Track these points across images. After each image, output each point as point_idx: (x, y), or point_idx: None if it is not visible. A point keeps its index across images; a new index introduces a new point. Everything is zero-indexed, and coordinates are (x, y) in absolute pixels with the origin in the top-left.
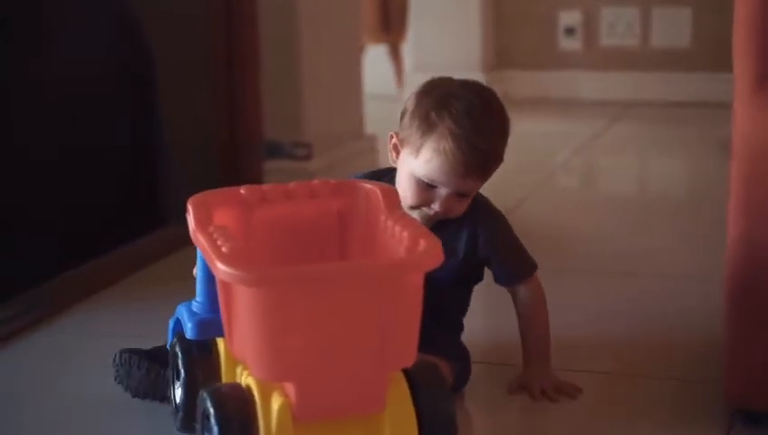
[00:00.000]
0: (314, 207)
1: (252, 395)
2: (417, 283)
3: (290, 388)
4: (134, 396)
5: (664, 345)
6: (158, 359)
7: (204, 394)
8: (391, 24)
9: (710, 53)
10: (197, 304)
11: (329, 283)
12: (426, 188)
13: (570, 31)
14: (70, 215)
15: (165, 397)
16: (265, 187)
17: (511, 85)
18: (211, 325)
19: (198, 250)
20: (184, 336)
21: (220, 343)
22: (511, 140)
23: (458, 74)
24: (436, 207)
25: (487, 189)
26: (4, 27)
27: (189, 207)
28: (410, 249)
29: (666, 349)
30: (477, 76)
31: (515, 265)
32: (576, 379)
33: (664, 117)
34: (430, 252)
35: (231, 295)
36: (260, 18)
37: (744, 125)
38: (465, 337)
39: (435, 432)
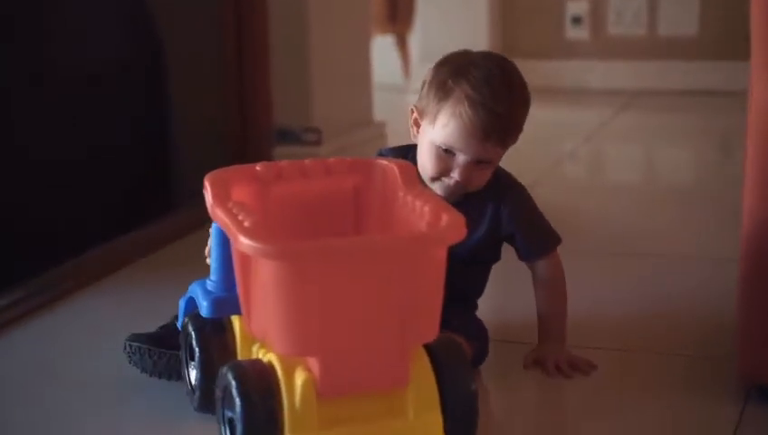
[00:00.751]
0: (330, 184)
1: (274, 371)
2: (440, 257)
3: (313, 363)
4: (151, 376)
5: (676, 323)
6: (165, 342)
7: (225, 370)
8: (398, 15)
9: (717, 41)
10: (212, 282)
11: (353, 256)
12: (444, 157)
13: (577, 20)
14: (83, 200)
15: (181, 375)
16: (281, 163)
17: None
18: (226, 303)
19: (213, 228)
20: (197, 315)
21: (235, 321)
22: None
23: None
24: (455, 175)
25: None
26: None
27: (207, 184)
28: (432, 224)
29: (678, 326)
30: None
31: (537, 240)
32: (589, 355)
33: (671, 105)
34: (453, 226)
35: (250, 271)
36: (270, 7)
37: (760, 98)
38: (479, 315)
39: (457, 408)
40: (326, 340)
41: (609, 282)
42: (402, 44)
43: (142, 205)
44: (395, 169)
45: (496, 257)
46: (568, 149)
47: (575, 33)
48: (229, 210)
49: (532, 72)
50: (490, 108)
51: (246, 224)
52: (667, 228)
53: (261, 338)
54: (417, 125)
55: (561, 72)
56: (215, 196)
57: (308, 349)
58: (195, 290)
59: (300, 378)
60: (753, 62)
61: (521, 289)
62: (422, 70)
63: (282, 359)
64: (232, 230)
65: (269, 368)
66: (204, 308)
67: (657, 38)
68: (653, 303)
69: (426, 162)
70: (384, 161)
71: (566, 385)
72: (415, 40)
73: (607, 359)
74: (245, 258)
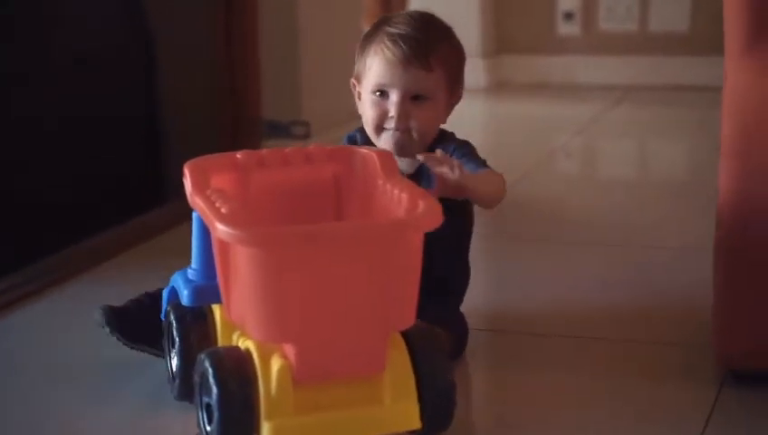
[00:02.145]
0: (310, 172)
1: (251, 357)
2: (416, 243)
3: (290, 349)
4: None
5: (657, 311)
6: (129, 322)
7: (202, 356)
8: (391, 8)
9: (709, 37)
10: (193, 271)
11: (330, 242)
12: (379, 100)
13: (568, 16)
14: (75, 191)
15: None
16: (262, 152)
17: (510, 71)
18: (207, 292)
19: (194, 216)
20: (179, 304)
21: (216, 309)
22: (509, 124)
23: None
24: (392, 113)
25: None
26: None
27: (186, 172)
28: (409, 210)
29: (659, 315)
30: (477, 62)
31: (481, 165)
32: (569, 344)
33: (662, 101)
34: (430, 212)
35: (229, 258)
36: (260, 0)
37: (734, 84)
38: (466, 304)
39: (433, 394)
40: (302, 326)
41: (595, 272)
42: None
43: (133, 196)
44: (374, 157)
45: (465, 227)
46: (559, 143)
47: (567, 29)
48: (207, 197)
49: (524, 67)
50: (408, 36)
51: (224, 211)
52: (657, 221)
53: (240, 325)
54: (360, 95)
55: (553, 68)
56: (194, 183)
57: (284, 336)
58: (176, 280)
59: (276, 364)
60: (727, 51)
61: (507, 279)
62: None
63: (259, 345)
64: (209, 217)
65: (246, 355)
66: (185, 297)
67: (648, 34)
68: (637, 292)
69: (366, 113)
70: (364, 150)
71: (549, 374)
72: None
73: (586, 348)
74: (224, 246)
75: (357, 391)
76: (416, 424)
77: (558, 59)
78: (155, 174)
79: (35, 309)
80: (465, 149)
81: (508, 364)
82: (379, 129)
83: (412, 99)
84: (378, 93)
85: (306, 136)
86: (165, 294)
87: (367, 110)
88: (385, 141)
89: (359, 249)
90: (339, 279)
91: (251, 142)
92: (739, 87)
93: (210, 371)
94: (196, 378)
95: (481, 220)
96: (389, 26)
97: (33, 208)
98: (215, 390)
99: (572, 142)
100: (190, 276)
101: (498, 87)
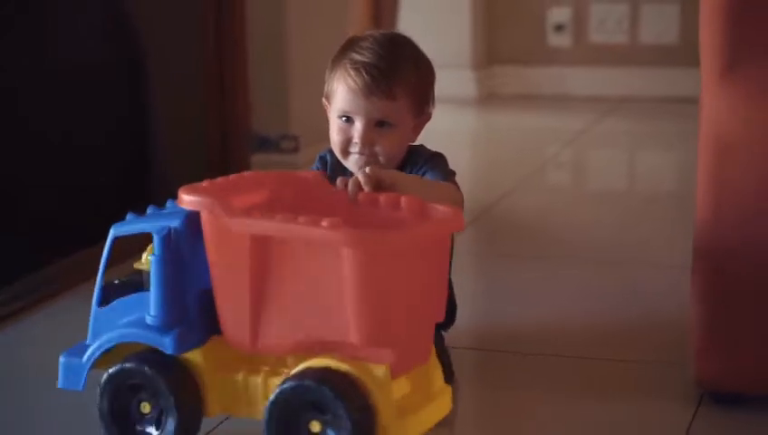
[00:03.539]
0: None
1: (349, 373)
2: (448, 241)
3: (386, 353)
4: None
5: (641, 329)
6: None
7: (311, 383)
8: (382, 21)
9: (698, 49)
10: (153, 317)
11: (430, 241)
12: (345, 126)
13: (559, 27)
14: (64, 205)
15: None
16: (219, 180)
17: (501, 82)
18: (191, 335)
19: (153, 263)
20: (152, 358)
21: (193, 355)
22: (499, 135)
23: (449, 72)
24: (356, 139)
25: (476, 180)
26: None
27: (204, 197)
28: (421, 213)
29: (642, 333)
30: (467, 73)
31: (443, 176)
32: (548, 363)
33: (653, 112)
34: (458, 211)
35: (270, 278)
36: (248, 12)
37: (709, 114)
38: (457, 324)
39: (446, 374)
40: (398, 328)
41: (583, 290)
42: None
43: (121, 210)
44: (309, 178)
45: None
46: (549, 155)
47: (557, 41)
48: (277, 216)
49: (515, 79)
50: (370, 65)
51: (324, 223)
52: (647, 237)
53: (284, 350)
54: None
55: (544, 79)
56: (225, 207)
57: (388, 339)
58: (133, 334)
59: (379, 370)
60: (703, 70)
61: (499, 297)
62: None
63: (346, 359)
64: (306, 232)
65: (346, 373)
66: (167, 345)
67: (638, 45)
68: (624, 311)
69: (333, 137)
70: (297, 173)
71: (528, 393)
72: None
73: (570, 366)
74: (264, 265)
75: (417, 378)
76: (450, 405)
77: (549, 70)
78: (143, 188)
79: (29, 324)
80: (432, 162)
81: (493, 383)
82: (345, 152)
83: (377, 125)
84: (343, 118)
85: (295, 150)
86: (87, 348)
87: (333, 134)
88: (352, 164)
89: (432, 248)
90: (416, 277)
91: (240, 158)
92: (714, 114)
93: (333, 396)
94: (297, 403)
95: (470, 236)
96: (355, 52)
97: (20, 222)
98: (343, 413)
99: (562, 154)
100: (153, 323)
101: (488, 98)
